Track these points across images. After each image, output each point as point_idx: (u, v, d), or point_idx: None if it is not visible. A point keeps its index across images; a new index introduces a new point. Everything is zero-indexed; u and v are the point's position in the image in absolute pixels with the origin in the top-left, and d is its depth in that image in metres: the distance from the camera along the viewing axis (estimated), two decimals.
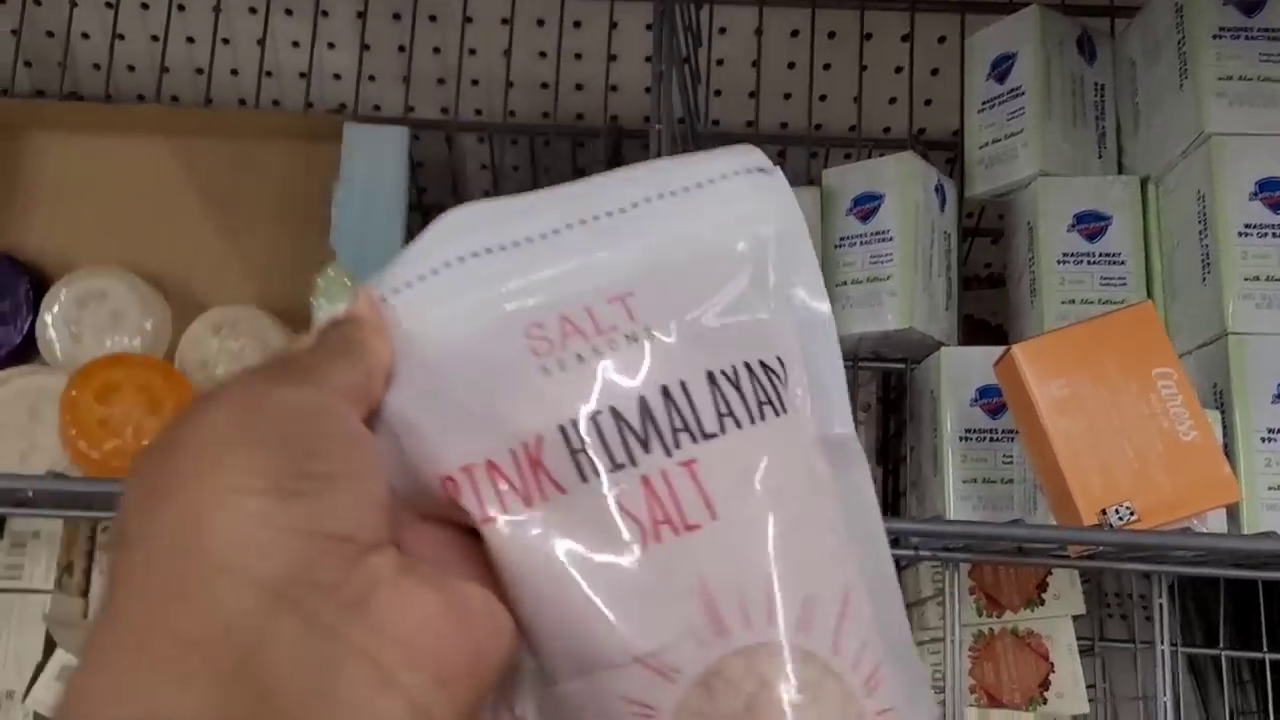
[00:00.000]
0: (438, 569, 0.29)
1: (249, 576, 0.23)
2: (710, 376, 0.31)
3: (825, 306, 0.34)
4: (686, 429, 0.30)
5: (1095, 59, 0.78)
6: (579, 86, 0.94)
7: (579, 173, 0.98)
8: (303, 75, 0.90)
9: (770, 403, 0.31)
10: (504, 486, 0.29)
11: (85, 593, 0.83)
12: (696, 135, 0.82)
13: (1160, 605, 0.72)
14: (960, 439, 0.69)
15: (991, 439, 0.69)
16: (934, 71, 0.90)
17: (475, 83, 0.93)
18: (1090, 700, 0.85)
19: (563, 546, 0.29)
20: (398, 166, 0.75)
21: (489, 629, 0.28)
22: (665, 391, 0.30)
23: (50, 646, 0.77)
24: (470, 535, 0.30)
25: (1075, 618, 0.84)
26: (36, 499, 0.59)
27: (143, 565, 0.24)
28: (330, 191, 0.76)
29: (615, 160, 0.94)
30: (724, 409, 0.30)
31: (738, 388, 0.31)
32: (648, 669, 0.28)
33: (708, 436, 0.30)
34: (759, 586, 0.29)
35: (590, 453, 0.29)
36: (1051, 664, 0.81)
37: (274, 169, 0.82)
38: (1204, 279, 0.67)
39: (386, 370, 0.30)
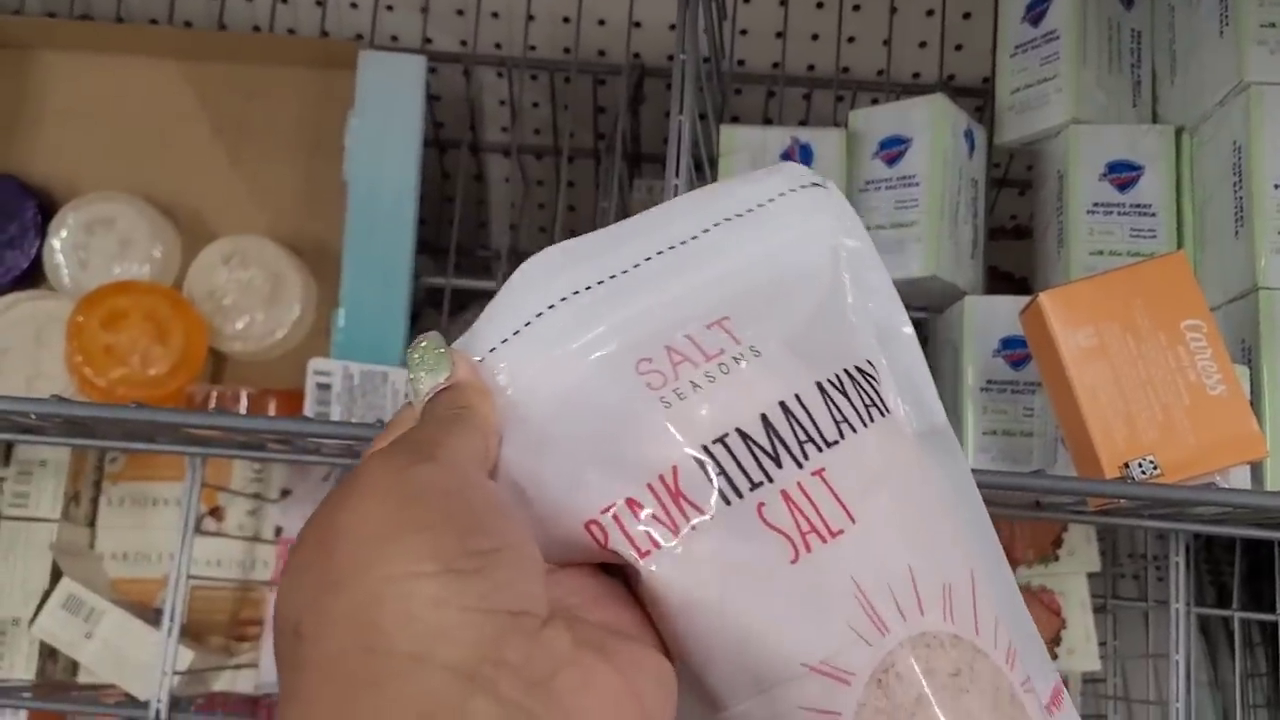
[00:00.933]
0: (591, 625, 0.29)
1: (438, 661, 0.23)
2: (820, 387, 0.32)
3: (908, 329, 0.35)
4: (811, 439, 0.31)
5: (1133, 4, 0.75)
6: (601, 22, 0.91)
7: (599, 111, 0.96)
8: (319, 3, 0.88)
9: (875, 404, 0.33)
10: (651, 521, 0.29)
11: (92, 522, 0.82)
12: (720, 75, 0.80)
13: (1177, 564, 0.71)
14: (981, 390, 0.68)
15: (1013, 391, 0.67)
16: (966, 15, 0.88)
17: (495, 15, 0.91)
18: (1100, 658, 0.84)
19: (723, 570, 0.29)
20: (414, 96, 0.73)
21: (660, 690, 0.28)
22: (784, 407, 0.31)
23: (56, 575, 0.77)
24: (601, 577, 0.30)
25: (1090, 575, 0.83)
26: (39, 423, 0.59)
27: (328, 657, 0.23)
28: (345, 121, 0.75)
29: (637, 99, 0.92)
30: (839, 416, 0.31)
31: (845, 394, 0.32)
32: (823, 676, 0.29)
33: (830, 444, 0.31)
34: (904, 581, 0.30)
35: (729, 475, 0.30)
36: (1064, 620, 0.81)
37: (288, 97, 0.80)
38: (1236, 232, 0.65)
39: (498, 431, 0.30)
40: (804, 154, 0.71)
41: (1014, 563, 0.81)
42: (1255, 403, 0.61)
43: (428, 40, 0.92)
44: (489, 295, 0.81)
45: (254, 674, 0.80)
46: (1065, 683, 0.76)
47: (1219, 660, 1.08)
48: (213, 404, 0.67)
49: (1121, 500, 0.54)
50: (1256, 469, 0.60)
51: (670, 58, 0.91)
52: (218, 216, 0.78)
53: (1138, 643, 0.96)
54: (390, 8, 0.91)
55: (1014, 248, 0.92)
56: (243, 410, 0.67)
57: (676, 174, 0.54)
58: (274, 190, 0.79)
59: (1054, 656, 0.79)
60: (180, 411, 0.65)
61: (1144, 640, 0.94)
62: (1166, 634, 0.71)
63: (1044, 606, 0.81)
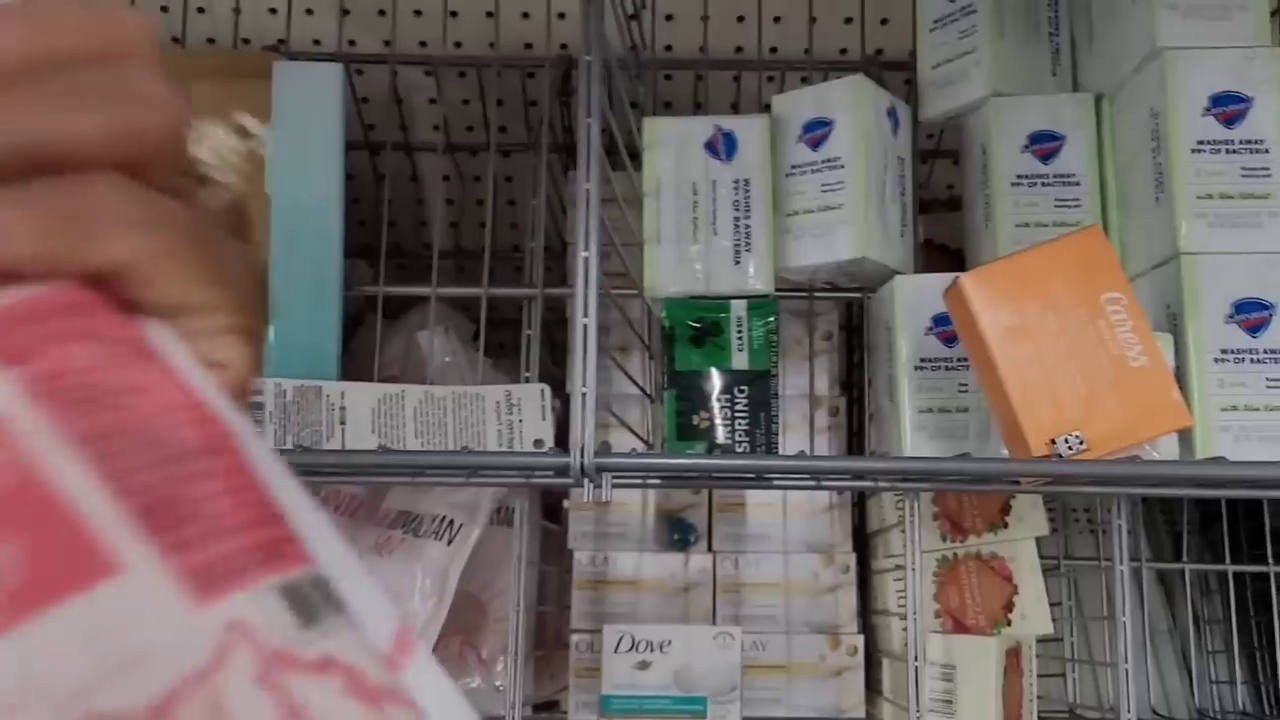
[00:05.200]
0: None
1: None
2: None
3: None
4: None
5: None
6: (525, 15, 0.90)
7: (531, 104, 0.95)
8: (236, 10, 0.87)
9: None
10: None
11: None
12: (642, 63, 0.80)
13: (1119, 527, 0.72)
14: (916, 368, 0.68)
15: (947, 368, 0.68)
16: None
17: (418, 14, 0.90)
18: (1056, 620, 0.85)
19: None
20: (332, 104, 0.72)
21: None
22: None
23: None
24: None
25: (1039, 538, 0.84)
26: None
27: None
28: None
29: (566, 90, 0.91)
30: None
31: None
32: None
33: None
34: None
35: None
36: (1015, 586, 0.82)
37: (203, 111, 0.79)
38: (1157, 198, 0.65)
39: None
40: (728, 142, 0.71)
41: (964, 533, 0.82)
42: (1181, 368, 0.62)
43: (350, 43, 0.91)
44: (424, 300, 0.80)
45: None
46: (1018, 648, 0.78)
47: (1177, 608, 1.10)
48: None
49: (1049, 478, 0.55)
50: (1185, 435, 0.61)
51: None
52: None
53: (1097, 599, 0.97)
54: (310, 11, 0.90)
55: (950, 219, 0.92)
56: None
57: (588, 178, 0.54)
58: None
59: (1007, 623, 0.80)
60: None
61: (1101, 598, 0.95)
62: (1112, 594, 0.72)
63: (996, 574, 0.82)
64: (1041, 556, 0.82)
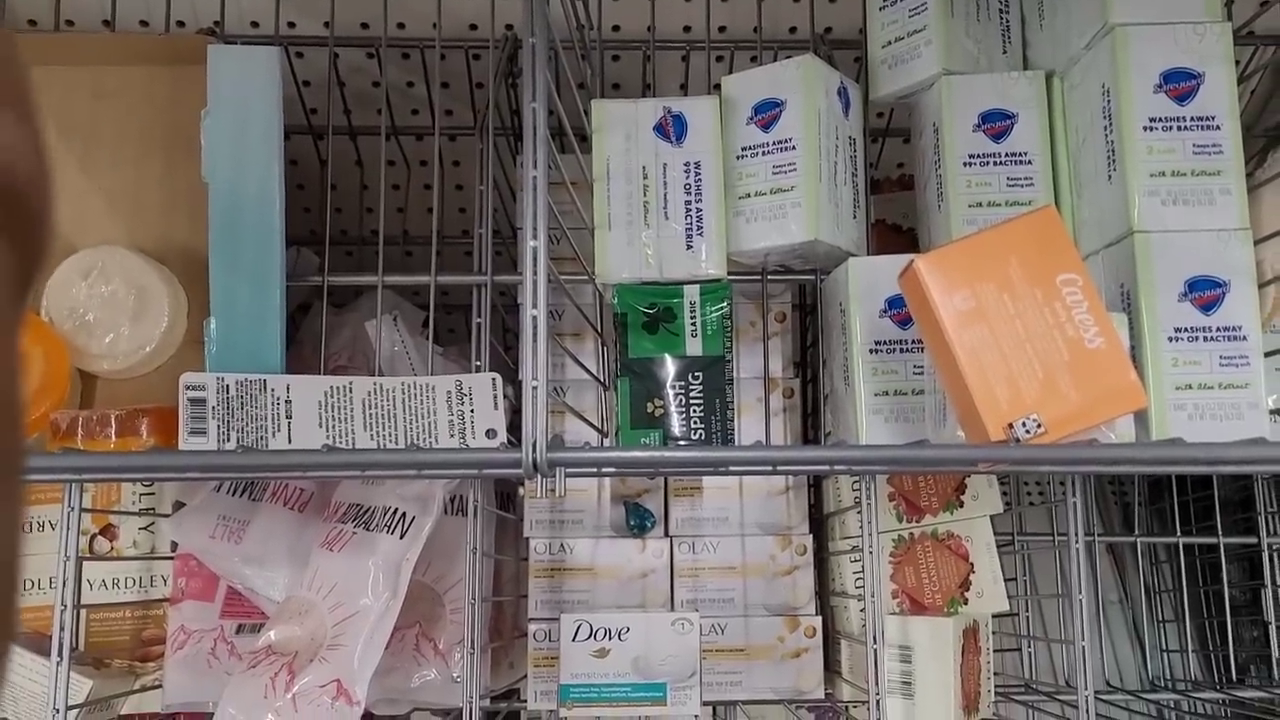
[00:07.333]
0: None
1: None
2: None
3: None
4: None
5: None
6: None
7: (476, 87, 0.93)
8: None
9: None
10: None
11: None
12: (589, 44, 0.78)
13: (1074, 505, 0.72)
14: (871, 351, 0.68)
15: (902, 350, 0.67)
16: None
17: None
18: (1011, 596, 0.86)
19: None
20: (269, 88, 0.70)
21: None
22: None
23: None
24: None
25: (994, 516, 0.84)
26: None
27: None
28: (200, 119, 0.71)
29: (511, 72, 0.89)
30: None
31: None
32: None
33: None
34: None
35: None
36: (971, 564, 0.82)
37: (137, 97, 0.76)
38: (1110, 176, 0.65)
39: None
40: (678, 124, 0.70)
41: (920, 513, 0.81)
42: (1136, 347, 0.62)
43: (290, 24, 0.88)
44: (371, 289, 0.78)
45: (161, 694, 0.78)
46: (975, 627, 0.78)
47: (1127, 578, 1.11)
48: (80, 429, 0.64)
49: (1007, 463, 0.54)
50: (1141, 414, 0.60)
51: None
52: (73, 229, 0.74)
53: (1050, 572, 0.98)
54: None
55: (901, 199, 0.92)
56: (112, 434, 0.65)
57: (534, 164, 0.52)
58: (133, 197, 0.75)
59: (964, 601, 0.80)
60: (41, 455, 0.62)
61: (1055, 570, 0.95)
62: (1068, 572, 0.72)
63: (951, 553, 0.82)
64: (995, 533, 0.82)
